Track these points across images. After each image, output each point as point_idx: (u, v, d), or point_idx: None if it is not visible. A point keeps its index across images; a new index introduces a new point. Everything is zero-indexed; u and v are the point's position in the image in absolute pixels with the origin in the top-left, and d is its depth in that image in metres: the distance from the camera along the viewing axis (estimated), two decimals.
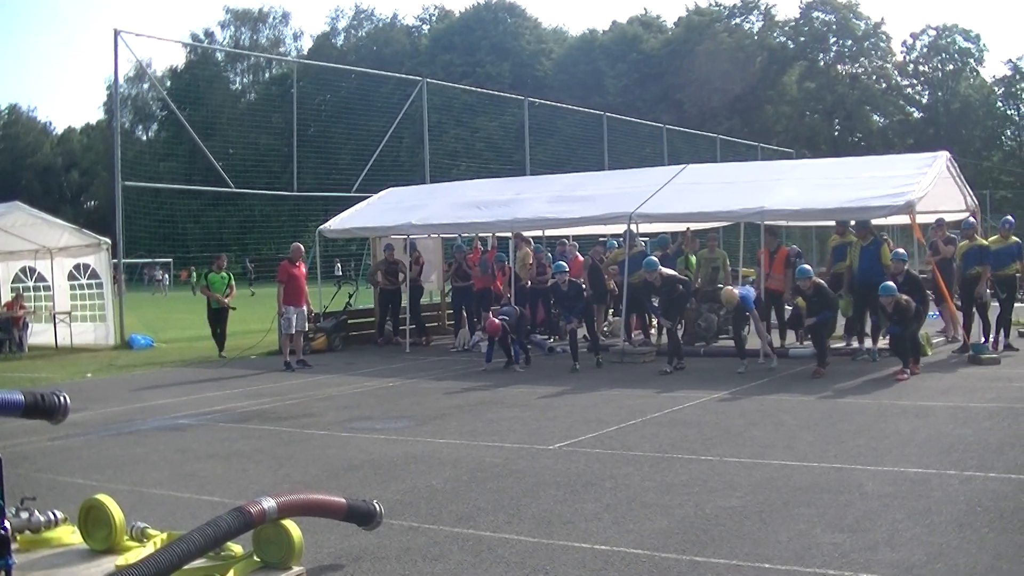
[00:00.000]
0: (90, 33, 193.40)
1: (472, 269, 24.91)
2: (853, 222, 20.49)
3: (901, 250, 19.00)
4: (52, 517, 7.23)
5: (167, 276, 75.63)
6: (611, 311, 25.94)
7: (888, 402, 14.47)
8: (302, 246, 22.70)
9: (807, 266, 18.79)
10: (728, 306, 18.85)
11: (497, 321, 19.59)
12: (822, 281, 18.35)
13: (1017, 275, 20.82)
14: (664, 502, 9.04)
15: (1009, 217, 21.27)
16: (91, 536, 7.11)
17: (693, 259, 23.35)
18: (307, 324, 22.74)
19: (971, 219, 21.69)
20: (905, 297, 16.99)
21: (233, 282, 25.97)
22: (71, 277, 29.11)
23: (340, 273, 46.03)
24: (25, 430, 13.09)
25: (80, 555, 7.01)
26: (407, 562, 7.55)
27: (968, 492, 9.02)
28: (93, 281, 28.67)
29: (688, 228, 24.23)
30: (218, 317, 25.32)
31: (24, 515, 7.09)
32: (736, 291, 18.41)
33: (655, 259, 19.82)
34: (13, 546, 6.26)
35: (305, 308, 22.28)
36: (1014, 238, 20.57)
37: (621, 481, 9.93)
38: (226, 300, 25.13)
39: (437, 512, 8.96)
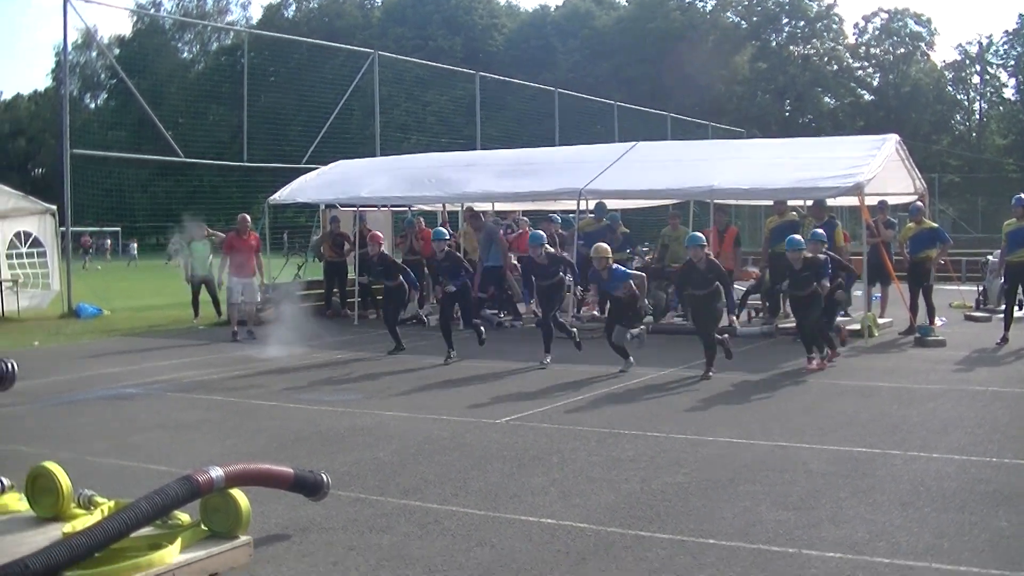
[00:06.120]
0: None
1: (424, 243, 24.80)
2: (810, 202, 20.59)
3: (819, 230, 17.54)
4: None
5: (81, 250, 72.47)
6: None
7: (833, 382, 14.59)
8: (248, 217, 22.52)
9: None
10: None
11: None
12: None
13: None
14: (610, 477, 9.09)
15: (1022, 195, 19.08)
16: (38, 503, 7.07)
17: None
18: (258, 296, 22.53)
19: (918, 203, 21.76)
20: (823, 255, 16.01)
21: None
22: (11, 245, 28.66)
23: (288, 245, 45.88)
24: None
25: (27, 522, 6.97)
26: (354, 533, 7.58)
27: (911, 472, 9.12)
28: (35, 249, 28.34)
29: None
30: (202, 283, 25.27)
31: None
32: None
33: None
34: None
35: (254, 279, 22.10)
36: None
37: (568, 456, 9.98)
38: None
39: (384, 484, 8.98)
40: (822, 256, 15.84)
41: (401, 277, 18.76)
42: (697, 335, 16.00)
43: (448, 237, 19.30)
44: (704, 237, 16.28)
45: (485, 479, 9.12)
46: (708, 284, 15.37)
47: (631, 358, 15.99)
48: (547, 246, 17.87)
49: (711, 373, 15.19)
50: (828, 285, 15.56)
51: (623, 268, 16.89)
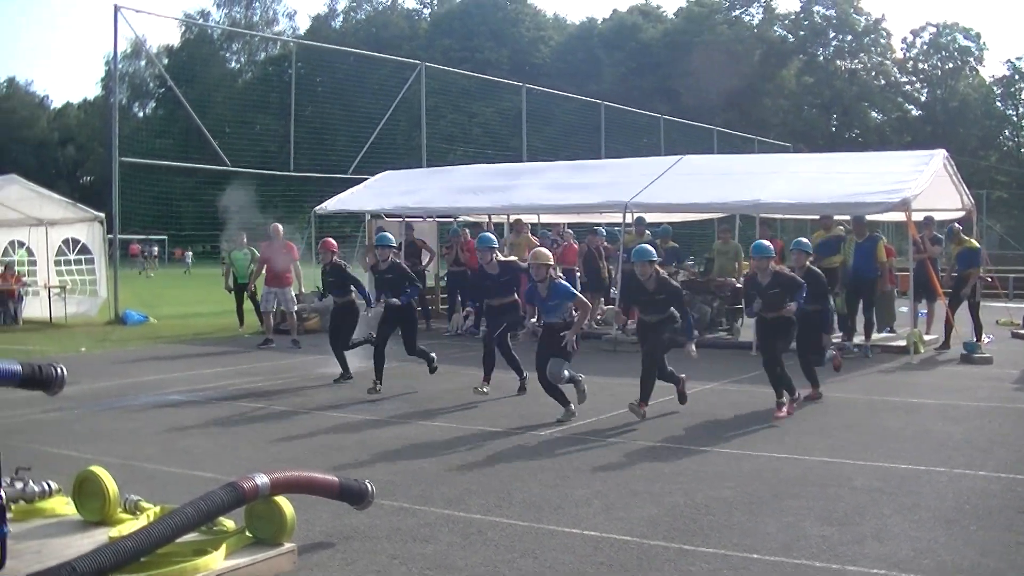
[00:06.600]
0: (88, 8, 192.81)
1: (469, 255, 24.73)
2: (850, 218, 20.49)
3: (804, 239, 15.87)
4: (46, 488, 7.27)
5: (138, 258, 72.90)
6: (602, 300, 25.85)
7: (877, 398, 14.52)
8: (280, 226, 22.48)
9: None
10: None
11: None
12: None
13: None
14: (654, 490, 9.08)
15: None
16: (84, 507, 7.16)
17: None
18: (294, 305, 22.44)
19: (955, 224, 21.65)
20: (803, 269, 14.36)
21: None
22: (59, 252, 28.93)
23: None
24: (19, 401, 13.13)
25: (73, 526, 7.06)
26: (397, 542, 7.60)
27: (956, 489, 9.07)
28: (83, 256, 28.57)
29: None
30: (243, 291, 25.30)
31: (19, 485, 7.12)
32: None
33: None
34: (8, 516, 6.31)
35: (289, 288, 22.04)
36: None
37: (611, 468, 9.98)
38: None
39: (428, 494, 9.01)
40: (799, 271, 14.19)
41: (354, 291, 16.90)
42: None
43: (395, 244, 17.40)
44: (653, 251, 13.64)
45: (528, 490, 9.13)
46: (658, 308, 13.18)
47: (572, 405, 13.13)
48: (499, 254, 15.49)
49: (643, 408, 12.99)
50: (794, 308, 13.31)
51: (568, 285, 13.83)
